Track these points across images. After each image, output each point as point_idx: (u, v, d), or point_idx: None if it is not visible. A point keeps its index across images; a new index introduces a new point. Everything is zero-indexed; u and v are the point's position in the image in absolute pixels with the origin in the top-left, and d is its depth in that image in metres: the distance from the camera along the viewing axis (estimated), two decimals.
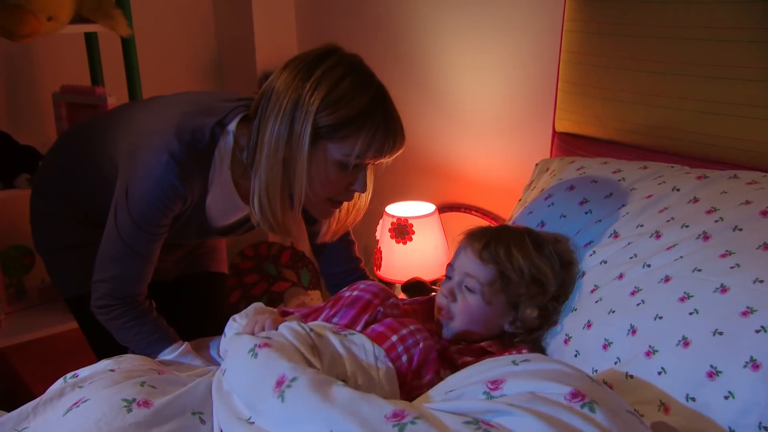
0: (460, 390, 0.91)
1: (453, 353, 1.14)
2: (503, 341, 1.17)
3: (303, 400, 0.87)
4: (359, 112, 1.14)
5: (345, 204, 1.32)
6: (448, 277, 1.22)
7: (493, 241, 1.17)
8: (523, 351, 1.13)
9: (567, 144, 1.56)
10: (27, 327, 1.98)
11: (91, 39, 2.07)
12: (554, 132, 1.62)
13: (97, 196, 1.36)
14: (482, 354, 1.14)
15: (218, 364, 1.23)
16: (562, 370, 0.89)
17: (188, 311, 1.55)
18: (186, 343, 1.30)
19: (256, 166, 1.19)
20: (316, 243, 1.43)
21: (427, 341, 1.07)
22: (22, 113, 2.16)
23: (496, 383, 0.89)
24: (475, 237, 1.20)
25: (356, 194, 1.29)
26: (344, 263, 1.50)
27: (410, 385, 1.03)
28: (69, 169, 1.41)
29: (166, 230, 1.26)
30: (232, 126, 1.24)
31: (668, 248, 1.08)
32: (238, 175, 1.27)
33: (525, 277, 1.14)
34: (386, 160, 1.22)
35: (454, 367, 1.12)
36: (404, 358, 1.03)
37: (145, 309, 1.29)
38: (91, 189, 1.38)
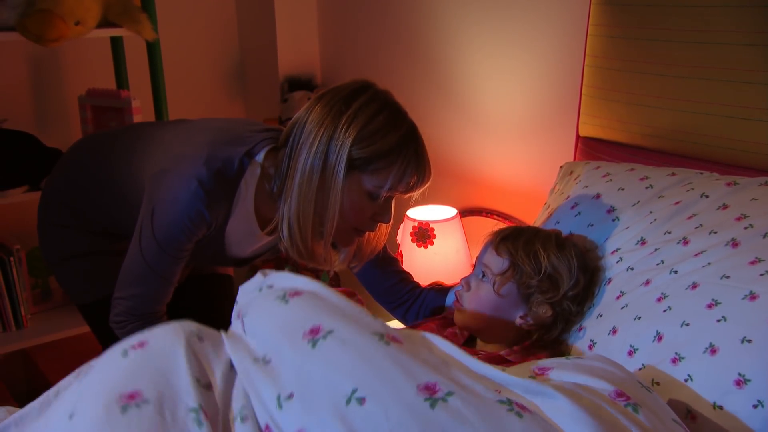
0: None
1: None
2: (523, 349, 1.17)
3: (335, 353, 0.82)
4: (393, 146, 1.17)
5: (368, 234, 1.34)
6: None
7: (512, 236, 1.20)
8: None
9: (590, 148, 1.55)
10: (52, 327, 2.01)
11: (116, 43, 2.10)
12: (578, 136, 1.61)
13: (108, 211, 1.37)
14: (500, 362, 1.13)
15: None
16: (611, 369, 0.88)
17: (194, 313, 1.56)
18: None
19: (286, 194, 1.21)
20: (352, 269, 1.44)
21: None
22: (48, 116, 2.19)
23: (543, 369, 0.88)
24: (497, 233, 1.23)
25: (379, 225, 1.32)
26: (391, 278, 1.49)
27: None
28: (82, 185, 1.42)
29: (188, 254, 1.28)
30: (260, 157, 1.26)
31: (696, 255, 1.07)
32: (261, 204, 1.29)
33: (537, 270, 1.15)
34: (414, 194, 1.26)
35: None
36: None
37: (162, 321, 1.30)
38: (102, 203, 1.39)
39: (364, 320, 0.88)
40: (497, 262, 1.18)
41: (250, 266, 1.52)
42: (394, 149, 1.17)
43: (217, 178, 1.21)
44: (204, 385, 0.85)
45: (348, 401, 0.77)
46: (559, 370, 0.88)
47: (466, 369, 0.86)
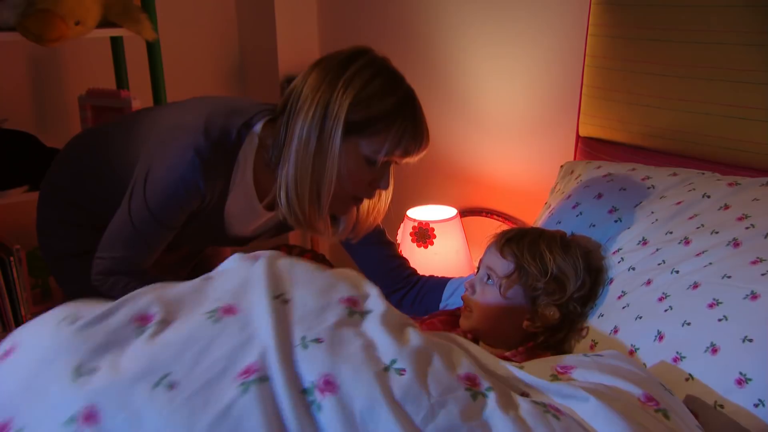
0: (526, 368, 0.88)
1: None
2: (529, 350, 1.17)
3: (373, 330, 0.81)
4: (390, 109, 1.17)
5: (366, 205, 1.33)
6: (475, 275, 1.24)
7: (517, 238, 1.19)
8: None
9: (591, 148, 1.56)
10: None
11: (116, 43, 2.09)
12: (578, 136, 1.61)
13: (112, 202, 1.37)
14: None
15: None
16: (632, 369, 0.87)
17: None
18: None
19: (284, 160, 1.21)
20: (347, 244, 1.43)
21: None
22: (48, 116, 2.19)
23: (565, 368, 0.87)
24: (502, 234, 1.22)
25: (377, 196, 1.31)
26: (389, 262, 1.48)
27: None
28: (81, 177, 1.41)
29: (178, 225, 1.27)
30: (258, 127, 1.25)
31: (697, 254, 1.08)
32: (260, 177, 1.29)
33: (543, 272, 1.15)
34: (411, 160, 1.24)
35: None
36: None
37: (146, 272, 1.29)
38: (105, 194, 1.38)
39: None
40: (502, 265, 1.17)
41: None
42: (391, 112, 1.17)
43: (215, 148, 1.20)
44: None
45: (387, 370, 0.75)
46: (582, 369, 0.86)
47: (497, 369, 0.84)
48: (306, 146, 1.18)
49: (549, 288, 1.15)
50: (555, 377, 0.85)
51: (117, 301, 0.83)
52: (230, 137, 1.23)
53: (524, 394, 0.81)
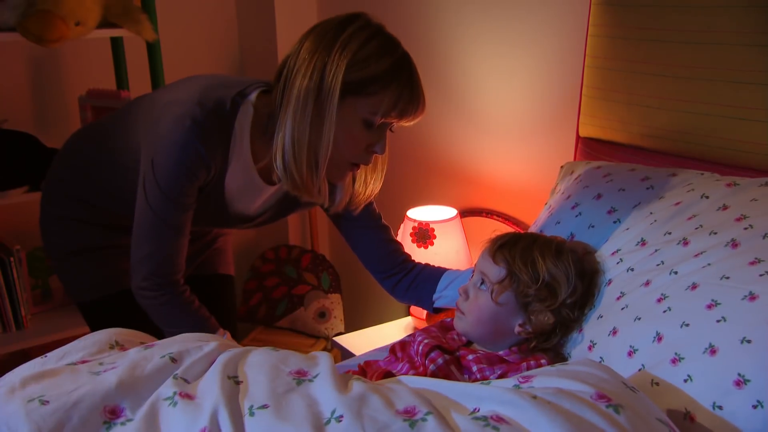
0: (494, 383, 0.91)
1: (469, 361, 1.14)
2: (522, 351, 1.17)
3: (319, 389, 0.86)
4: (387, 69, 1.18)
5: (364, 175, 1.35)
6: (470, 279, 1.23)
7: (509, 244, 1.19)
8: (542, 361, 1.13)
9: (591, 149, 1.56)
10: (52, 328, 2.01)
11: (117, 43, 2.10)
12: (578, 137, 1.61)
13: (116, 192, 1.37)
14: (498, 362, 1.14)
15: None
16: (595, 373, 0.89)
17: None
18: (227, 332, 1.32)
19: (280, 124, 1.21)
20: (342, 216, 1.44)
21: (427, 341, 1.13)
22: (48, 116, 2.20)
23: (527, 378, 0.89)
24: (494, 239, 1.22)
25: (373, 164, 1.33)
26: (384, 246, 1.49)
27: None
28: (83, 170, 1.42)
29: (193, 201, 1.27)
30: (252, 97, 1.26)
31: (696, 255, 1.07)
32: (257, 148, 1.29)
33: (534, 279, 1.14)
34: (408, 123, 1.25)
35: (470, 374, 1.12)
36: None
37: (188, 297, 1.32)
38: (108, 186, 1.39)
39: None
40: (494, 271, 1.17)
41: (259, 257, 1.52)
42: (389, 72, 1.18)
43: (210, 115, 1.21)
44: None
45: (327, 422, 0.80)
46: (542, 377, 0.88)
47: (440, 396, 0.87)
48: (303, 109, 1.18)
49: (540, 294, 1.14)
50: (517, 387, 0.87)
51: (81, 390, 0.84)
52: (225, 106, 1.24)
53: (475, 410, 0.84)
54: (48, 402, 0.82)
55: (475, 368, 1.12)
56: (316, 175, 1.23)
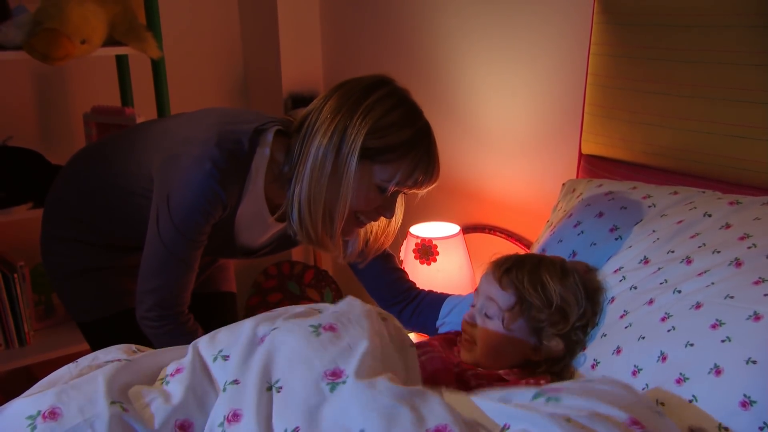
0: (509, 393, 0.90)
1: (469, 377, 1.13)
2: (522, 370, 1.16)
3: (350, 400, 0.85)
4: (406, 141, 1.20)
5: (376, 229, 1.36)
6: (472, 305, 1.21)
7: (515, 267, 1.16)
8: (542, 382, 1.11)
9: (593, 166, 1.56)
10: (55, 344, 2.01)
11: (122, 61, 2.11)
12: (580, 154, 1.61)
13: (117, 215, 1.37)
14: (497, 380, 1.12)
15: None
16: (623, 394, 0.87)
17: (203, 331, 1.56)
18: None
19: (297, 178, 1.23)
20: (353, 265, 1.46)
21: (437, 354, 1.11)
22: (53, 133, 2.21)
23: (555, 390, 0.88)
24: (498, 263, 1.20)
25: (386, 220, 1.34)
26: (389, 275, 1.50)
27: None
28: (87, 192, 1.42)
29: (205, 238, 1.28)
30: (270, 137, 1.27)
31: (699, 274, 1.07)
32: (269, 188, 1.30)
33: (547, 303, 1.13)
34: (420, 191, 1.28)
35: (468, 388, 1.12)
36: None
37: (191, 326, 1.32)
38: (113, 209, 1.39)
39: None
40: (503, 297, 1.15)
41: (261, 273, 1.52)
42: (407, 144, 1.20)
43: (229, 157, 1.22)
44: None
45: None
46: (568, 394, 0.86)
47: (472, 408, 0.86)
48: (321, 167, 1.20)
49: (553, 319, 1.13)
50: (546, 398, 0.86)
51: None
52: (243, 147, 1.24)
53: (505, 426, 0.83)
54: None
55: (473, 383, 1.11)
56: (332, 233, 1.25)
